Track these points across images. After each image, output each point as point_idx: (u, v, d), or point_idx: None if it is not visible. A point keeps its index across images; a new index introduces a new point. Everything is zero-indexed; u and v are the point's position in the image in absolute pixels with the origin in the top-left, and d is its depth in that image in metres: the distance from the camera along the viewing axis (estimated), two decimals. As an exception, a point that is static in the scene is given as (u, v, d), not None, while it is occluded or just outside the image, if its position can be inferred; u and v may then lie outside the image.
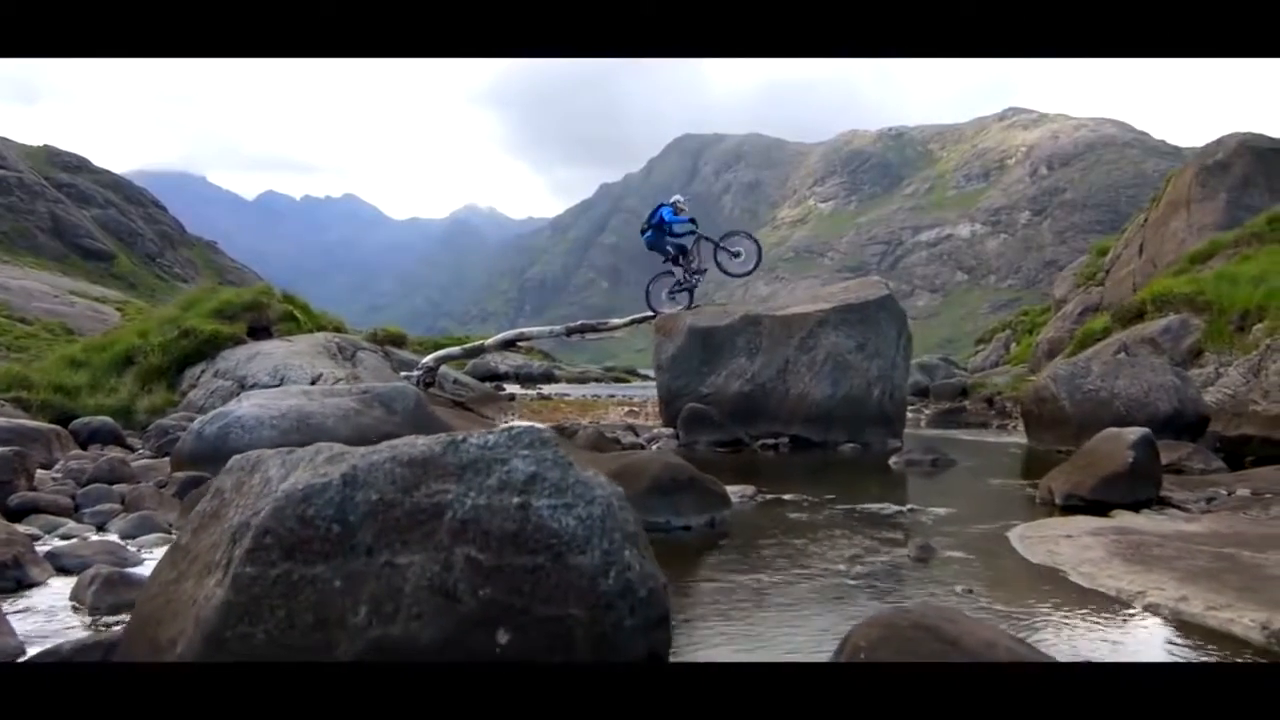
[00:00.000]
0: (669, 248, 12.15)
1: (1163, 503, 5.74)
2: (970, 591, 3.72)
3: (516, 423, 8.96)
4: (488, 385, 23.76)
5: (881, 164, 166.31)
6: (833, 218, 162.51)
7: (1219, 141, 20.79)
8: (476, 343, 13.10)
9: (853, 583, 3.91)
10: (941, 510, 5.79)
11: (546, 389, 27.08)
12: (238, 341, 12.81)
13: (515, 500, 1.78)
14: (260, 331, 14.05)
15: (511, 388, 25.52)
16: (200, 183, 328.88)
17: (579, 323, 13.02)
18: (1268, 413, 9.58)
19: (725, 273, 12.41)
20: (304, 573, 1.67)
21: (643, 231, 12.34)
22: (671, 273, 12.38)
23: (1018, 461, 9.25)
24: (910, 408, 18.93)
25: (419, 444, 1.85)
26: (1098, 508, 5.56)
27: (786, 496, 6.34)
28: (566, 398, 20.83)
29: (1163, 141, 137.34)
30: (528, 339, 13.45)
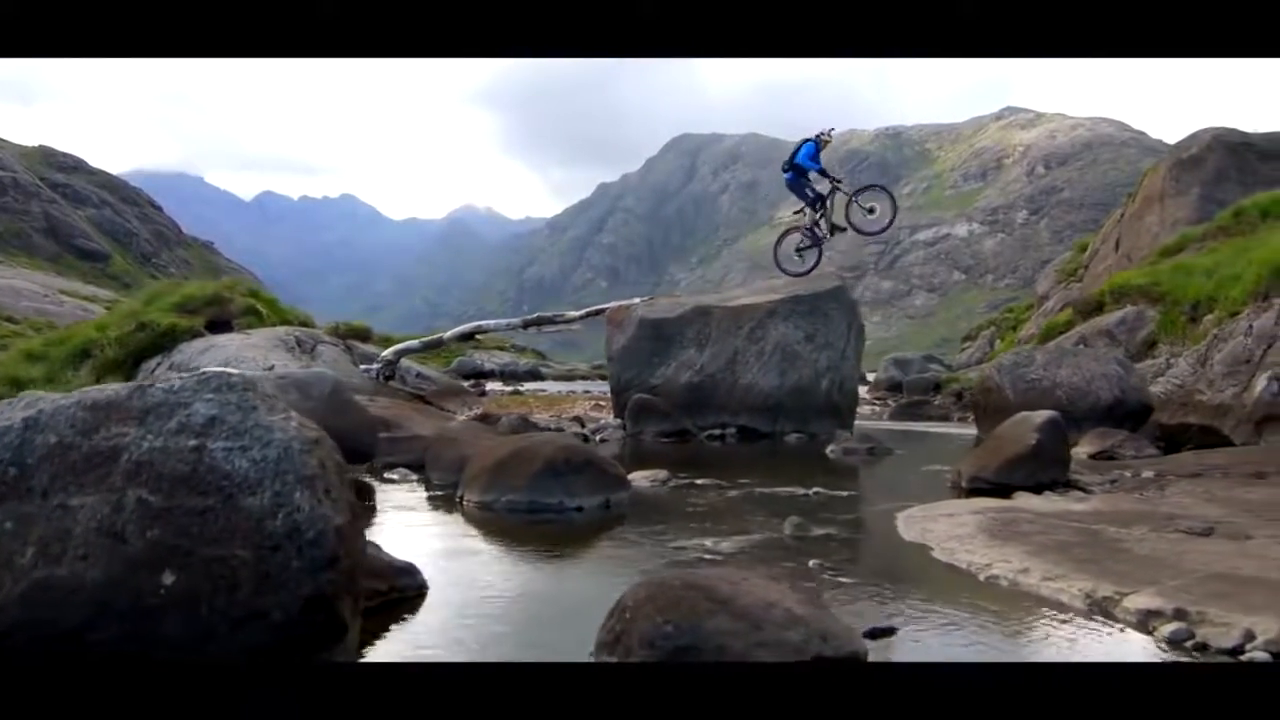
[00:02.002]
0: (808, 192, 11.04)
1: (1069, 485, 5.73)
2: (821, 565, 3.71)
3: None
4: (465, 382, 23.83)
5: (879, 164, 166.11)
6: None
7: (1193, 136, 20.80)
8: (435, 335, 13.09)
9: (710, 558, 3.91)
10: (847, 493, 5.79)
11: (529, 386, 27.19)
12: (195, 335, 12.81)
13: (191, 443, 1.79)
14: (222, 325, 14.07)
15: (494, 385, 25.66)
16: (198, 183, 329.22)
17: (535, 315, 13.02)
18: (1210, 402, 9.57)
19: (858, 230, 11.24)
20: (-24, 515, 1.65)
21: (784, 169, 11.29)
22: (798, 229, 11.38)
23: (957, 450, 9.23)
24: (879, 402, 19.00)
25: (109, 389, 1.85)
26: (1001, 490, 5.55)
27: (700, 481, 6.33)
28: (542, 393, 20.94)
29: (1160, 141, 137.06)
30: (485, 331, 13.47)
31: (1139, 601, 2.96)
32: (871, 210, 10.95)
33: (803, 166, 10.95)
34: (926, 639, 2.81)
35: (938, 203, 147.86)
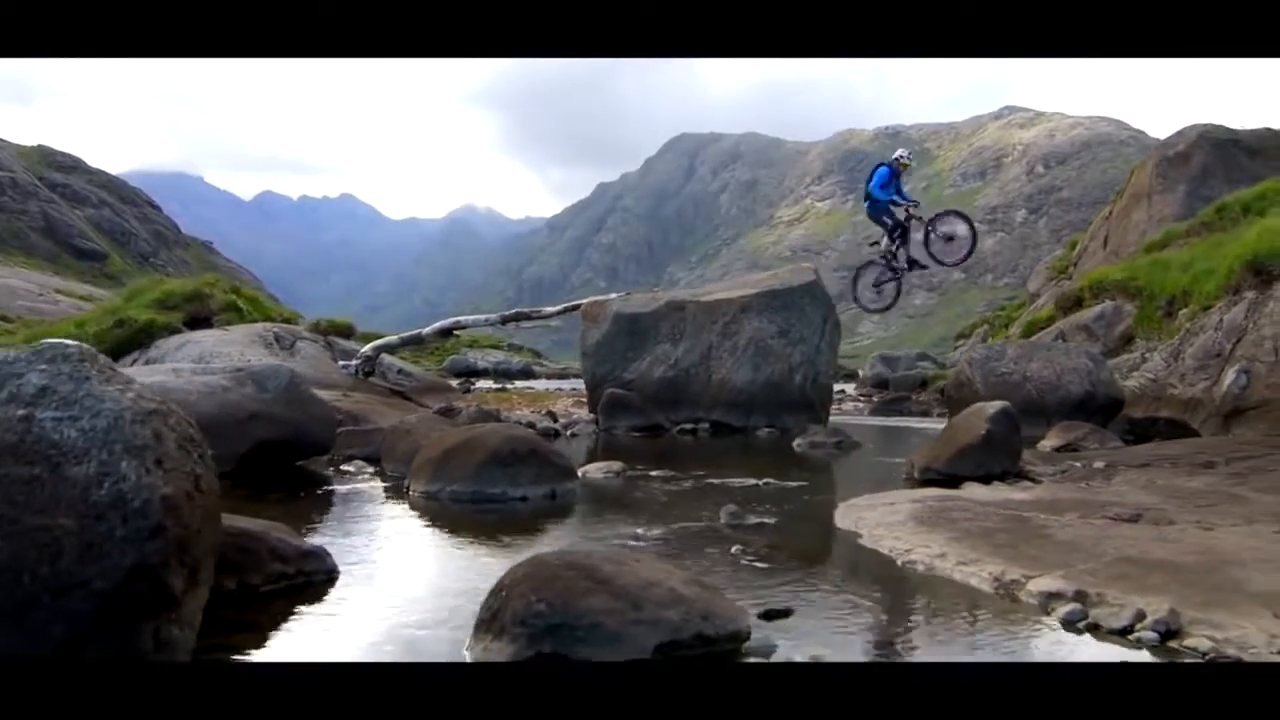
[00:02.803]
0: (886, 220, 10.13)
1: (1019, 475, 5.72)
2: (743, 550, 3.70)
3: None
4: (455, 380, 23.82)
5: (878, 163, 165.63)
6: (830, 217, 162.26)
7: (1179, 133, 20.79)
8: (414, 332, 13.08)
9: (638, 544, 3.90)
10: (798, 485, 5.78)
11: (520, 384, 27.23)
12: (174, 331, 12.82)
13: (20, 412, 1.78)
14: (202, 321, 14.08)
15: (486, 383, 25.70)
16: (198, 183, 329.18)
17: (514, 310, 13.01)
18: (1181, 396, 9.58)
19: (939, 261, 10.22)
20: None
21: (864, 197, 10.43)
22: (877, 261, 10.48)
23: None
24: (865, 398, 19.00)
25: (-55, 361, 1.85)
26: (951, 480, 5.55)
27: (655, 473, 6.34)
28: (530, 390, 20.96)
29: (1159, 140, 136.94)
30: (464, 327, 13.46)
31: (1043, 584, 2.95)
32: (950, 238, 10.01)
33: (871, 194, 10.03)
34: (822, 619, 2.80)
35: (937, 202, 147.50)
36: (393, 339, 12.92)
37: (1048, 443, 8.06)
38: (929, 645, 2.57)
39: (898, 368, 21.60)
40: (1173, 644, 2.45)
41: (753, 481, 5.83)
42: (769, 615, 2.75)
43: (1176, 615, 2.56)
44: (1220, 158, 19.68)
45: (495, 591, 2.41)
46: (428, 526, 4.53)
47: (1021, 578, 3.06)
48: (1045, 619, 2.76)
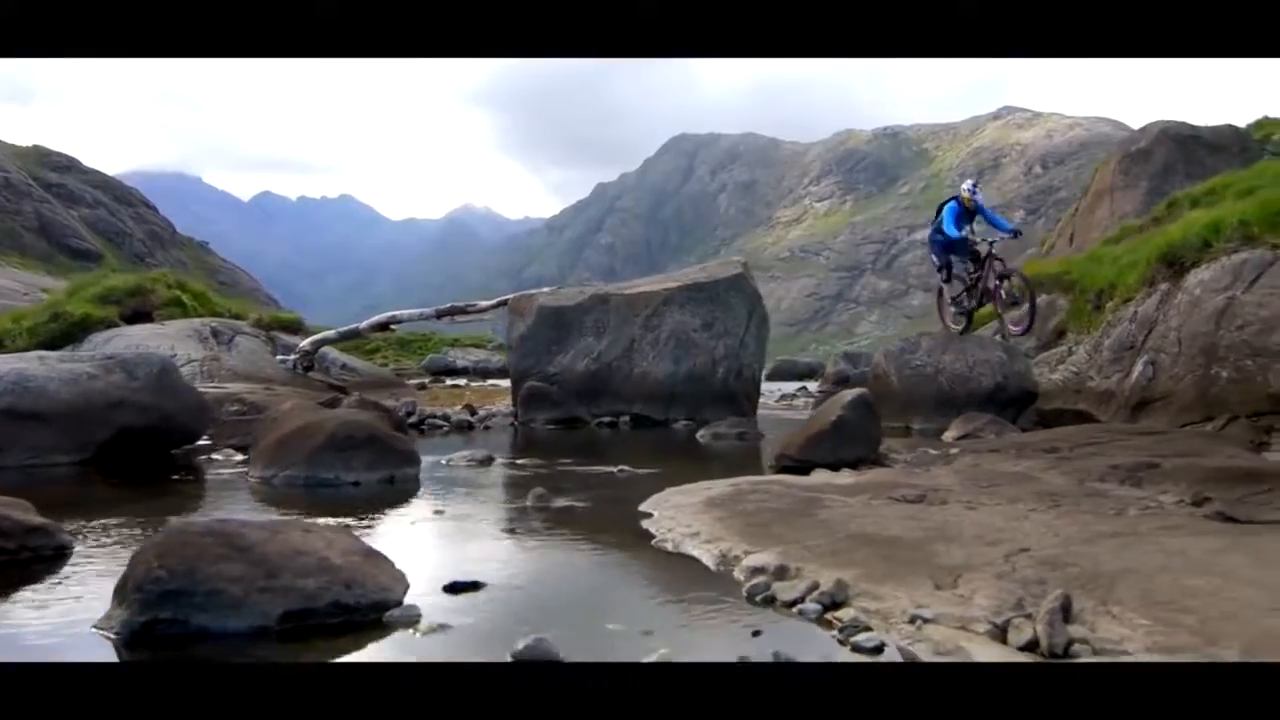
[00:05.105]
0: (934, 258, 9.75)
1: (875, 462, 5.69)
2: (512, 531, 3.68)
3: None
4: (427, 378, 23.77)
5: (877, 163, 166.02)
6: (828, 217, 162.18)
7: (1142, 130, 20.74)
8: (350, 327, 13.08)
9: (423, 523, 3.88)
10: (651, 471, 5.73)
11: (494, 381, 27.22)
12: (109, 325, 12.83)
13: None
14: (143, 316, 14.09)
15: (462, 380, 25.70)
16: (196, 183, 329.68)
17: (449, 305, 13.00)
18: (1097, 389, 9.53)
19: (1005, 328, 9.72)
20: None
21: (933, 233, 10.10)
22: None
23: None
24: (823, 394, 18.92)
25: None
26: (803, 467, 5.51)
27: (523, 461, 6.32)
28: (496, 387, 20.93)
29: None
30: (399, 321, 13.45)
31: (756, 559, 2.92)
32: (1014, 303, 9.33)
33: (937, 230, 9.65)
34: (515, 591, 2.78)
35: (935, 202, 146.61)
36: (330, 334, 12.93)
37: (950, 433, 8.04)
38: (598, 617, 2.54)
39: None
40: (828, 616, 2.42)
41: (611, 470, 5.81)
42: (454, 588, 2.73)
43: (844, 588, 2.53)
44: (1182, 154, 19.62)
45: (132, 559, 2.39)
46: (229, 509, 4.50)
47: (742, 554, 3.03)
48: (736, 592, 2.73)
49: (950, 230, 9.50)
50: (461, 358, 38.62)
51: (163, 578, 2.26)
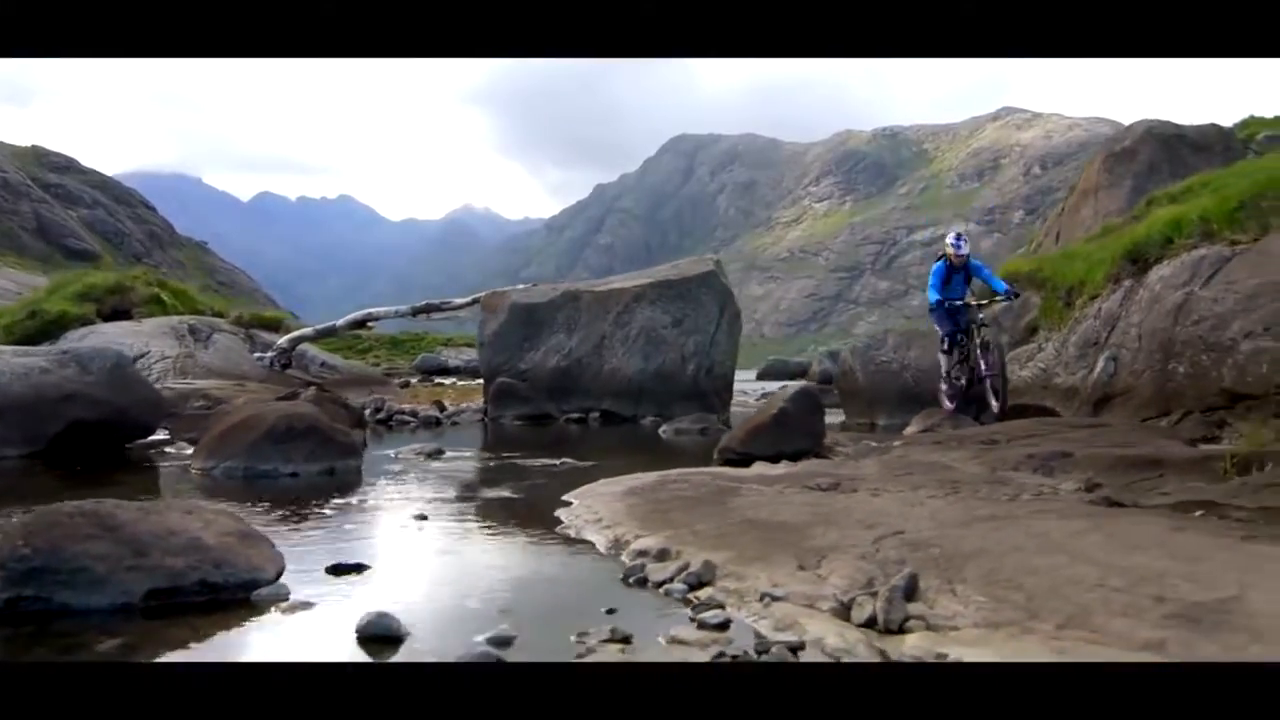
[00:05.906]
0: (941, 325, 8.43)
1: (816, 454, 5.72)
2: (423, 517, 3.72)
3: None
4: (414, 377, 23.80)
5: (876, 164, 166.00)
6: (827, 218, 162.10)
7: (1127, 129, 20.75)
8: (328, 324, 13.12)
9: (332, 512, 3.92)
10: (592, 464, 5.76)
11: (478, 381, 27.26)
12: (86, 323, 12.89)
13: None
14: (122, 314, 14.14)
15: (451, 379, 25.75)
16: (196, 184, 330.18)
17: (423, 303, 13.04)
18: (1063, 385, 9.55)
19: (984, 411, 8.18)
20: None
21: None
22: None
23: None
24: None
25: None
26: (745, 459, 5.54)
27: (468, 453, 6.38)
28: (476, 386, 20.97)
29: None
30: (375, 319, 13.49)
31: (642, 543, 2.97)
32: (997, 392, 8.09)
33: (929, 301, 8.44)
34: (397, 574, 2.82)
35: (935, 203, 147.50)
36: (307, 331, 12.97)
37: (911, 428, 8.07)
38: (464, 596, 2.57)
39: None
40: (691, 595, 2.46)
41: (554, 463, 5.85)
42: (337, 570, 2.77)
43: (712, 569, 2.57)
44: (1166, 153, 19.62)
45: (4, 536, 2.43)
46: (160, 498, 4.55)
47: (633, 538, 3.07)
48: (616, 573, 2.77)
49: (931, 294, 8.46)
50: (454, 357, 38.64)
51: (27, 555, 2.30)
